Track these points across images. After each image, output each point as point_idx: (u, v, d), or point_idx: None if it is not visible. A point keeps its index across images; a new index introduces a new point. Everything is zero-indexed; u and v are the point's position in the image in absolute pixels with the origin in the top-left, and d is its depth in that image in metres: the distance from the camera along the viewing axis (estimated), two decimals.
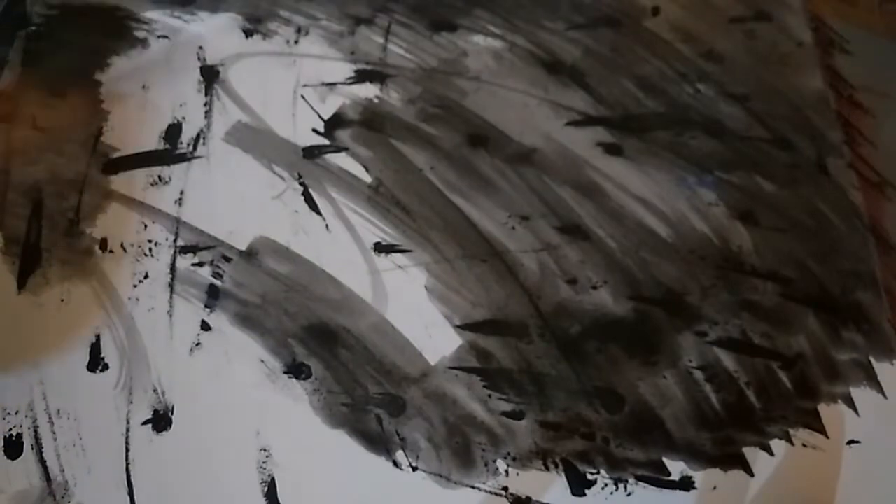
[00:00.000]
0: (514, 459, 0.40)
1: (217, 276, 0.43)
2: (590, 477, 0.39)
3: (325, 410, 0.40)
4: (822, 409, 0.41)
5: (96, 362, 0.41)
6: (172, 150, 0.46)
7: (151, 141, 0.46)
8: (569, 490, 0.39)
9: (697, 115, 0.48)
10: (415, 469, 0.39)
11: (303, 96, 0.47)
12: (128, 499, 0.38)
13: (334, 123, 0.47)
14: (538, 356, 0.42)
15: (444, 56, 0.49)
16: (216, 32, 0.49)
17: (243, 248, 0.44)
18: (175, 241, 0.44)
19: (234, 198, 0.45)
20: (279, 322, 0.42)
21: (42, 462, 0.39)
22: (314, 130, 0.47)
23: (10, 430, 0.39)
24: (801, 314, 0.43)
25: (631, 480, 0.40)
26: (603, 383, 0.41)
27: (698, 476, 0.40)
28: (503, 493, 0.39)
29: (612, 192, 0.45)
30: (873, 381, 0.42)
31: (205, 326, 0.42)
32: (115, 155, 0.46)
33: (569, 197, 0.45)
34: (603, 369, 0.41)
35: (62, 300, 0.42)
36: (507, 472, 0.40)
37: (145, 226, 0.44)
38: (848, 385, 0.42)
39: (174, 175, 0.45)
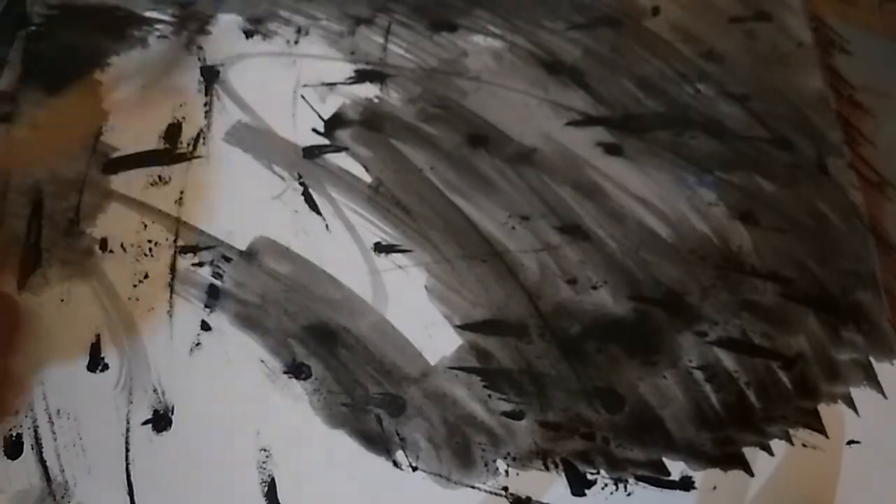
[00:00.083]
0: (514, 459, 0.40)
1: (217, 276, 0.43)
2: (590, 477, 0.39)
3: (325, 410, 0.40)
4: (822, 409, 0.41)
5: (96, 362, 0.41)
6: (172, 150, 0.46)
7: (151, 141, 0.46)
8: (569, 490, 0.39)
9: (697, 115, 0.48)
10: (415, 469, 0.39)
11: (303, 96, 0.47)
12: (128, 499, 0.38)
13: (334, 123, 0.47)
14: (538, 356, 0.42)
15: (444, 56, 0.49)
16: (216, 32, 0.49)
17: (243, 248, 0.44)
18: (175, 241, 0.44)
19: (234, 198, 0.45)
20: (279, 322, 0.42)
21: (42, 462, 0.39)
22: (314, 130, 0.47)
23: (10, 430, 0.39)
24: (801, 314, 0.43)
25: (631, 480, 0.40)
26: (603, 383, 0.41)
27: (698, 476, 0.40)
28: (503, 493, 0.39)
29: (612, 192, 0.45)
30: (873, 381, 0.42)
31: (205, 326, 0.42)
32: (115, 155, 0.46)
33: (569, 197, 0.45)
34: (603, 369, 0.41)
35: (62, 300, 0.42)
36: (507, 472, 0.40)
37: (145, 226, 0.44)
38: (848, 385, 0.42)
39: (174, 175, 0.45)
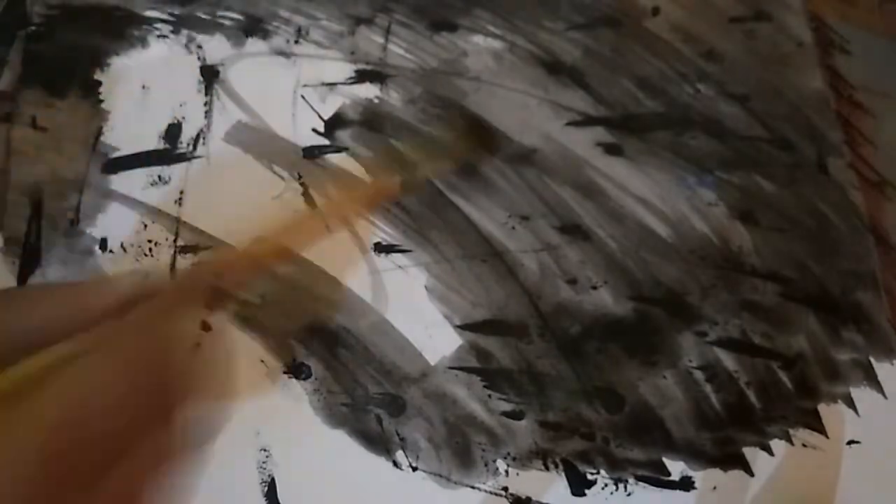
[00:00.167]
0: (514, 459, 0.40)
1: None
2: (590, 477, 0.39)
3: (325, 410, 0.40)
4: (822, 409, 0.41)
5: None
6: (172, 150, 0.46)
7: (151, 141, 0.46)
8: (569, 490, 0.39)
9: (697, 115, 0.48)
10: (415, 469, 0.39)
11: (303, 96, 0.47)
12: None
13: (334, 123, 0.47)
14: (538, 356, 0.42)
15: (444, 56, 0.49)
16: (216, 32, 0.49)
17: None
18: (175, 241, 0.44)
19: (234, 198, 0.45)
20: (279, 322, 0.42)
21: None
22: (314, 130, 0.47)
23: None
24: (801, 314, 0.43)
25: (631, 480, 0.40)
26: (603, 383, 0.41)
27: (698, 476, 0.40)
28: (503, 493, 0.39)
29: (612, 192, 0.45)
30: (873, 381, 0.42)
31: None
32: (115, 155, 0.46)
33: (569, 197, 0.45)
34: (603, 369, 0.41)
35: None
36: (507, 472, 0.40)
37: (145, 226, 0.44)
38: (848, 385, 0.42)
39: (174, 175, 0.45)
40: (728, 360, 0.42)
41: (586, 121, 0.47)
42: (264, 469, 0.39)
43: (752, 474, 0.40)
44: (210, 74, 0.48)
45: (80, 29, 0.49)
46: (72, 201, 0.44)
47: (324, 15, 0.50)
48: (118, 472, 0.21)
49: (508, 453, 0.40)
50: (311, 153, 0.46)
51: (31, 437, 0.19)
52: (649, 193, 0.46)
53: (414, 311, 0.42)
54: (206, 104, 0.47)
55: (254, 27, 0.49)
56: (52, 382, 0.21)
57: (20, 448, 0.19)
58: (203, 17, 0.49)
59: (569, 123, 0.47)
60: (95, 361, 0.22)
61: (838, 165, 0.47)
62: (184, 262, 0.43)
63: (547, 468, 0.40)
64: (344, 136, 0.46)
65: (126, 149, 0.46)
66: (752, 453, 0.40)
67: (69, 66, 0.47)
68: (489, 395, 0.41)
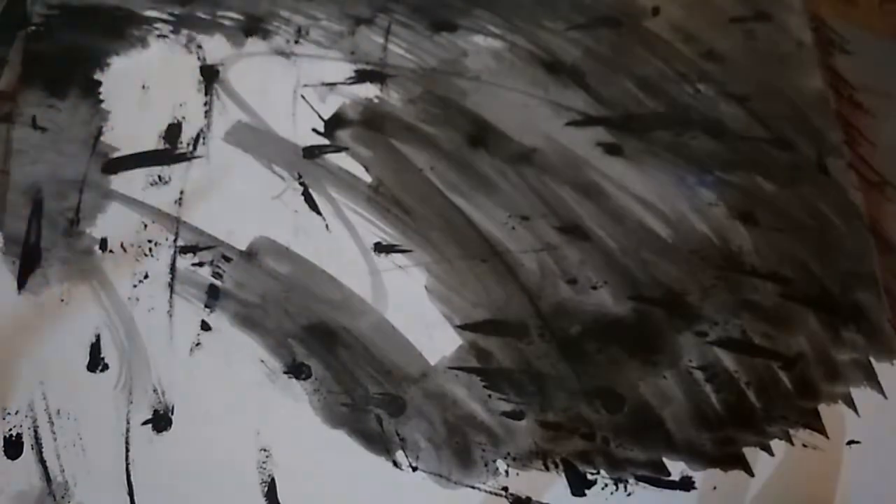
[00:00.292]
0: (514, 459, 0.40)
1: (217, 276, 0.43)
2: (590, 477, 0.39)
3: (325, 410, 0.40)
4: (822, 409, 0.41)
5: (96, 362, 0.41)
6: (172, 150, 0.46)
7: (151, 141, 0.46)
8: (569, 490, 0.39)
9: (697, 115, 0.48)
10: (415, 469, 0.39)
11: (303, 96, 0.47)
12: (128, 499, 0.38)
13: (334, 123, 0.47)
14: (538, 356, 0.42)
15: (444, 56, 0.49)
16: (216, 32, 0.49)
17: (243, 248, 0.44)
18: (175, 241, 0.44)
19: (234, 198, 0.45)
20: (279, 322, 0.42)
21: (42, 462, 0.39)
22: (314, 130, 0.47)
23: (10, 430, 0.39)
24: (801, 314, 0.43)
25: (631, 480, 0.40)
26: (603, 383, 0.41)
27: (698, 476, 0.40)
28: (503, 493, 0.39)
29: (612, 192, 0.45)
30: (873, 381, 0.42)
31: (205, 326, 0.42)
32: (115, 155, 0.46)
33: (569, 197, 0.45)
34: (603, 369, 0.41)
35: (62, 300, 0.42)
36: (507, 472, 0.40)
37: (145, 226, 0.44)
38: (848, 385, 0.42)
39: (174, 175, 0.45)
40: (728, 360, 0.42)
41: (586, 121, 0.47)
42: (264, 469, 0.39)
43: (752, 474, 0.40)
44: (210, 74, 0.48)
45: (80, 29, 0.49)
46: (72, 201, 0.44)
47: (324, 15, 0.50)
48: None
49: (508, 453, 0.40)
50: (311, 153, 0.46)
51: None
52: (649, 193, 0.46)
53: (414, 311, 0.42)
54: (206, 104, 0.47)
55: (254, 27, 0.49)
56: None
57: None
58: (203, 17, 0.49)
59: (569, 123, 0.47)
60: None
61: (838, 165, 0.47)
62: (184, 262, 0.43)
63: (547, 468, 0.40)
64: (344, 136, 0.46)
65: (126, 149, 0.46)
66: (752, 453, 0.40)
67: (69, 66, 0.47)
68: (489, 395, 0.41)
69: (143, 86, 0.47)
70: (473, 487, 0.39)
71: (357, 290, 0.43)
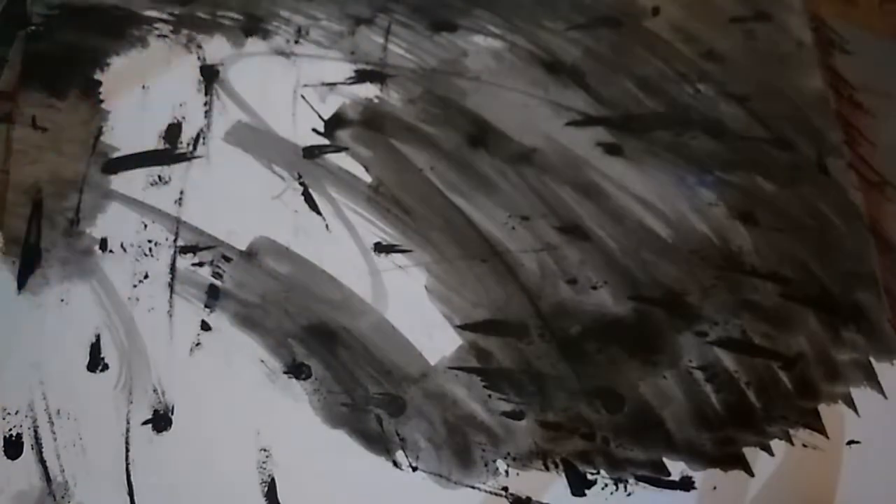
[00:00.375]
0: (514, 459, 0.40)
1: (217, 276, 0.43)
2: (590, 477, 0.39)
3: (325, 410, 0.40)
4: (822, 409, 0.41)
5: (96, 362, 0.41)
6: (172, 150, 0.46)
7: (151, 141, 0.46)
8: (569, 490, 0.39)
9: (697, 115, 0.48)
10: (415, 469, 0.39)
11: (303, 96, 0.47)
12: (128, 499, 0.38)
13: (334, 123, 0.47)
14: (538, 356, 0.42)
15: (444, 56, 0.49)
16: (216, 32, 0.49)
17: (243, 248, 0.44)
18: (175, 241, 0.44)
19: (234, 198, 0.45)
20: (279, 322, 0.42)
21: (42, 462, 0.39)
22: (314, 130, 0.47)
23: (10, 430, 0.39)
24: (801, 314, 0.43)
25: (631, 480, 0.40)
26: (603, 383, 0.41)
27: (698, 476, 0.40)
28: (503, 493, 0.39)
29: (612, 192, 0.45)
30: (873, 381, 0.42)
31: (205, 326, 0.42)
32: (115, 155, 0.46)
33: (569, 197, 0.45)
34: (603, 369, 0.41)
35: (62, 300, 0.42)
36: (507, 472, 0.40)
37: (145, 226, 0.44)
38: (848, 385, 0.42)
39: (174, 175, 0.45)
40: (728, 360, 0.42)
41: (586, 121, 0.47)
42: (264, 469, 0.39)
43: (752, 474, 0.40)
44: (210, 74, 0.48)
45: (80, 29, 0.49)
46: (72, 201, 0.44)
47: (324, 15, 0.50)
48: None
49: (508, 453, 0.40)
50: (311, 153, 0.46)
51: None
52: (649, 193, 0.46)
53: (414, 311, 0.42)
54: (206, 104, 0.47)
55: (254, 27, 0.49)
56: None
57: None
58: (203, 16, 0.49)
59: (569, 123, 0.47)
60: None
61: (838, 165, 0.47)
62: (184, 262, 0.43)
63: (547, 468, 0.40)
64: (344, 135, 0.46)
65: (126, 149, 0.46)
66: (752, 453, 0.40)
67: (69, 66, 0.48)
68: (489, 395, 0.41)
69: (143, 86, 0.47)
70: (473, 487, 0.39)
71: (357, 290, 0.43)
